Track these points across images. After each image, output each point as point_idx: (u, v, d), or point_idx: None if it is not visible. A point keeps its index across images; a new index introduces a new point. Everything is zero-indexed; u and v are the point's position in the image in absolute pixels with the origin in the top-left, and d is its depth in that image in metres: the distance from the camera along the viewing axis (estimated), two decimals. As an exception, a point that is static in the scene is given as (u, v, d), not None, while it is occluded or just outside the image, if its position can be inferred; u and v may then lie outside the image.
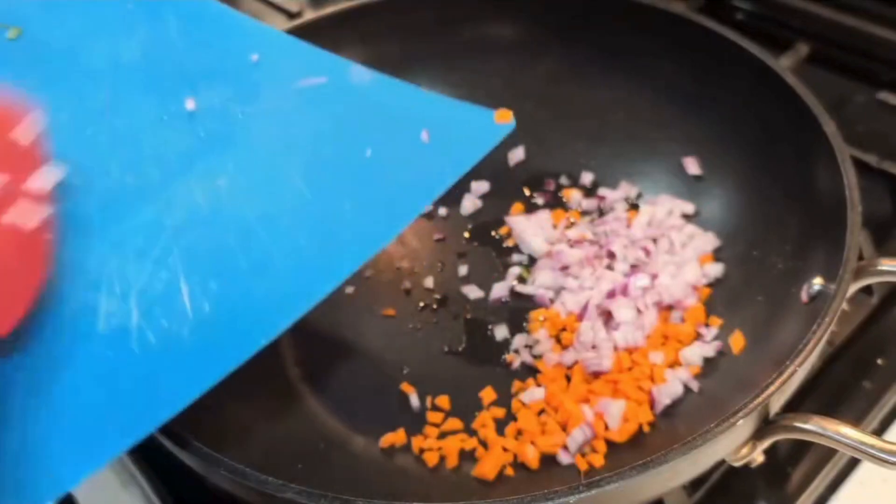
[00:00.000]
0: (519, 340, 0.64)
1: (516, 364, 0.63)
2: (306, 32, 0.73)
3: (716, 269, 0.66)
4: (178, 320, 0.46)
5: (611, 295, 0.64)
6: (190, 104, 0.54)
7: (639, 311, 0.63)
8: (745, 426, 0.46)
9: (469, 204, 0.76)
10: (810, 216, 0.60)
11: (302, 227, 0.50)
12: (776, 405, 0.49)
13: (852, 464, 0.56)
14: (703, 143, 0.71)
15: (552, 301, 0.67)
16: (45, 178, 0.48)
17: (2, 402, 0.44)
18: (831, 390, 0.60)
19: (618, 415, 0.56)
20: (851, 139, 0.71)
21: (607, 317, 0.63)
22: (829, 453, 0.56)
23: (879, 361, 0.61)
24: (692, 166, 0.72)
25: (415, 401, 0.61)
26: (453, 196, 0.76)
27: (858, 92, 0.82)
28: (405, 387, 0.62)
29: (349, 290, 0.70)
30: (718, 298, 0.64)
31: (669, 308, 0.64)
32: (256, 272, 0.48)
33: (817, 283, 0.54)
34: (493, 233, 0.74)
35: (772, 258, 0.62)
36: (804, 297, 0.55)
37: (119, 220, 0.49)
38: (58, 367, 0.45)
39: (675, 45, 0.72)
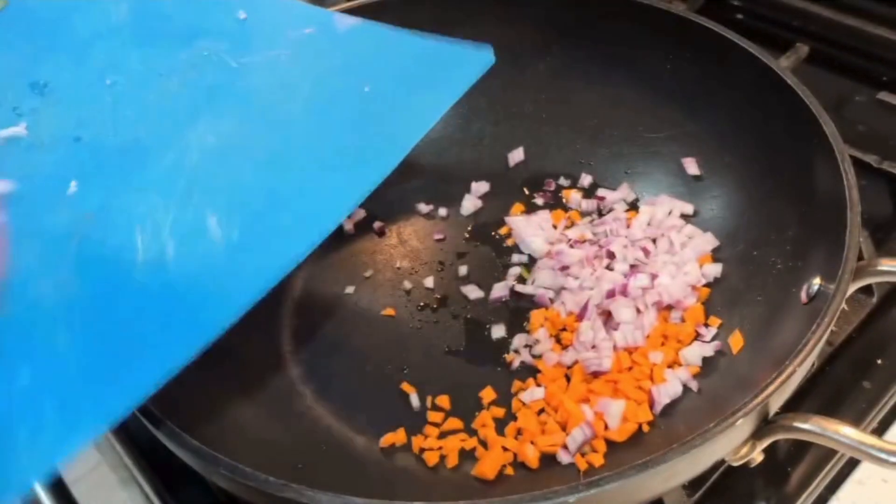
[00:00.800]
0: (519, 340, 0.64)
1: (516, 364, 0.63)
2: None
3: (715, 270, 0.66)
4: (212, 247, 0.48)
5: (610, 295, 0.64)
6: (185, 58, 0.57)
7: (638, 311, 0.63)
8: (744, 426, 0.46)
9: (469, 204, 0.76)
10: (810, 216, 0.60)
11: (312, 158, 0.54)
12: (775, 405, 0.49)
13: (852, 464, 0.56)
14: (702, 143, 0.72)
15: (552, 301, 0.67)
16: None
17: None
18: (831, 390, 0.60)
19: (617, 414, 0.56)
20: (851, 139, 0.71)
21: (607, 317, 0.64)
22: (829, 453, 0.56)
23: (879, 361, 0.61)
24: (692, 167, 0.72)
25: (415, 401, 0.61)
26: (453, 196, 0.76)
27: (858, 92, 0.82)
28: (405, 387, 0.62)
29: (349, 289, 0.70)
30: (718, 298, 0.64)
31: (669, 308, 0.64)
32: (276, 203, 0.51)
33: (817, 283, 0.54)
34: (493, 233, 0.74)
35: (771, 258, 0.62)
36: (804, 297, 0.55)
37: (140, 169, 0.52)
38: (101, 302, 0.47)
39: (676, 46, 0.72)
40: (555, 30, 0.77)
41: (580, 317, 0.64)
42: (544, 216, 0.73)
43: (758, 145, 0.67)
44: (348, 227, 0.74)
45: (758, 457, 0.50)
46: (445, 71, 0.60)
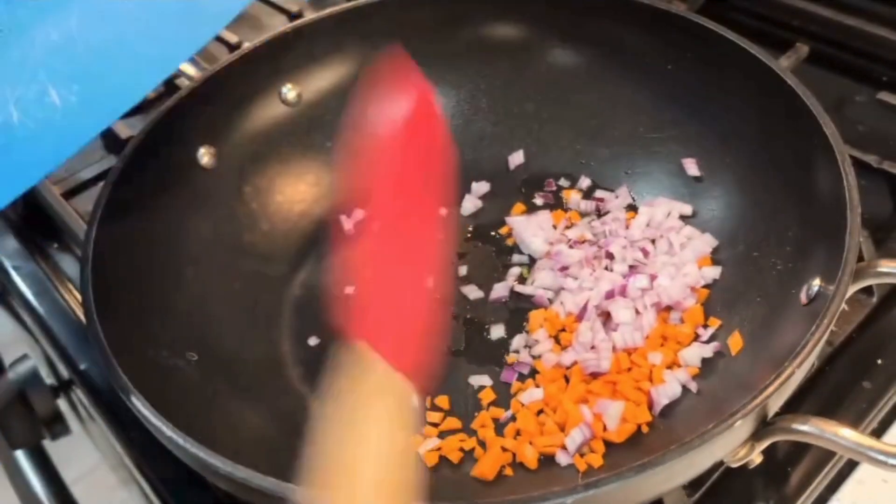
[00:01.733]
0: (518, 341, 0.64)
1: (516, 365, 0.63)
2: (306, 32, 0.74)
3: (714, 272, 0.66)
4: (51, 111, 0.58)
5: (609, 296, 0.64)
6: None
7: (637, 311, 0.63)
8: (743, 427, 0.46)
9: (469, 204, 0.76)
10: (810, 217, 0.60)
11: (140, 31, 0.62)
12: (775, 406, 0.49)
13: (852, 464, 0.56)
14: (703, 143, 0.71)
15: (551, 301, 0.67)
16: None
17: None
18: (831, 391, 0.60)
19: (616, 415, 0.56)
20: (851, 139, 0.71)
21: (606, 317, 0.63)
22: (829, 454, 0.56)
23: (879, 362, 0.61)
24: (692, 167, 0.72)
25: (414, 401, 0.61)
26: (454, 196, 0.76)
27: (858, 92, 0.81)
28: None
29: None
30: (717, 299, 0.64)
31: (668, 309, 0.64)
32: (107, 72, 0.60)
33: (816, 284, 0.54)
34: (493, 233, 0.74)
35: (771, 259, 0.62)
36: (803, 298, 0.55)
37: None
38: None
39: (676, 46, 0.71)
40: (555, 30, 0.77)
41: (579, 317, 0.64)
42: (545, 216, 0.73)
43: (758, 146, 0.67)
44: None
45: (757, 458, 0.50)
46: None
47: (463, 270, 0.71)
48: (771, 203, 0.65)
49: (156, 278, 0.63)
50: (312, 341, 0.66)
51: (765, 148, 0.66)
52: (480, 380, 0.62)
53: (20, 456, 0.67)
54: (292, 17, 0.95)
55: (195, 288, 0.65)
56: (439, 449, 0.58)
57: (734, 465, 0.50)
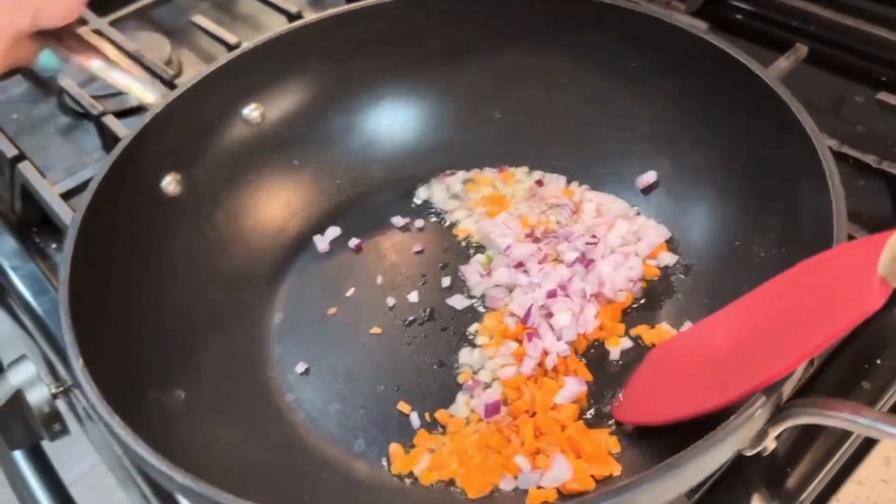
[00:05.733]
0: (473, 357, 0.64)
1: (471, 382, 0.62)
2: (264, 51, 0.73)
3: (669, 258, 0.67)
4: None
5: (552, 295, 0.64)
6: None
7: (580, 307, 0.64)
8: (762, 415, 0.46)
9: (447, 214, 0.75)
10: (791, 205, 0.59)
11: None
12: (788, 390, 0.48)
13: (852, 464, 0.56)
14: (675, 142, 0.71)
15: (506, 303, 0.66)
16: None
17: None
18: (830, 391, 0.60)
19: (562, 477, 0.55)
20: (851, 139, 0.71)
21: (549, 316, 0.64)
22: (829, 453, 0.56)
23: (879, 361, 0.61)
24: (663, 165, 0.72)
25: (415, 420, 0.60)
26: (430, 207, 0.75)
27: (857, 92, 0.82)
28: (402, 406, 0.61)
29: (332, 310, 0.69)
30: (702, 291, 0.64)
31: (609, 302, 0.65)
32: None
33: None
34: (473, 240, 0.73)
35: (754, 247, 0.62)
36: None
37: None
38: None
39: (647, 45, 0.71)
40: (519, 31, 0.76)
41: (524, 320, 0.64)
42: (510, 216, 0.72)
43: (731, 139, 0.66)
44: (323, 246, 0.73)
45: (771, 444, 0.50)
46: None
47: (446, 281, 0.69)
48: (748, 195, 0.64)
49: (134, 313, 0.61)
50: (300, 367, 0.65)
51: (739, 140, 0.66)
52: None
53: (19, 456, 0.67)
54: (292, 17, 0.95)
55: (174, 319, 0.63)
56: (439, 468, 0.57)
57: (749, 454, 0.49)
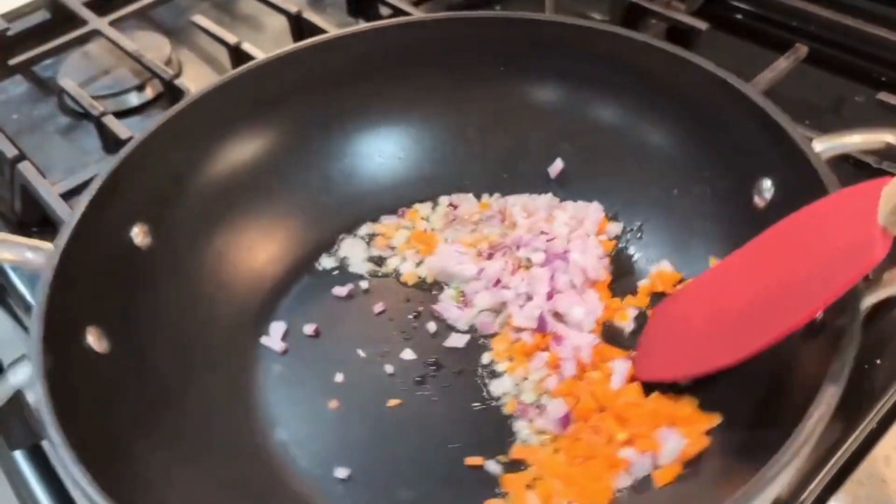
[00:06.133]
0: (506, 385, 0.62)
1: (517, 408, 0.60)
2: (221, 93, 0.69)
3: (616, 228, 0.69)
4: None
5: (549, 297, 0.65)
6: None
7: (581, 297, 0.65)
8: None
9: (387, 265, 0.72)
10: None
11: None
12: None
13: (852, 464, 0.56)
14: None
15: (500, 325, 0.65)
16: None
17: None
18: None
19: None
20: (851, 139, 0.71)
21: (559, 316, 0.64)
22: (828, 454, 0.56)
23: (879, 361, 0.61)
24: (557, 165, 0.73)
25: (493, 467, 0.57)
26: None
27: (858, 92, 0.82)
28: (471, 460, 0.57)
29: (333, 403, 0.62)
30: (663, 241, 0.67)
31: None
32: None
33: (768, 185, 0.55)
34: (431, 281, 0.70)
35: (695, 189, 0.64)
36: (759, 202, 0.57)
37: None
38: None
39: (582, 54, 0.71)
40: (514, 62, 0.74)
41: (540, 329, 0.63)
42: (456, 245, 0.71)
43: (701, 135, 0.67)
44: (278, 346, 0.66)
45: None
46: None
47: (432, 327, 0.66)
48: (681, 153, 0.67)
49: (118, 377, 0.57)
50: (340, 473, 0.58)
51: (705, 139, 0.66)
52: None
53: (19, 457, 0.67)
54: (292, 17, 0.95)
55: (163, 376, 0.60)
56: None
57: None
